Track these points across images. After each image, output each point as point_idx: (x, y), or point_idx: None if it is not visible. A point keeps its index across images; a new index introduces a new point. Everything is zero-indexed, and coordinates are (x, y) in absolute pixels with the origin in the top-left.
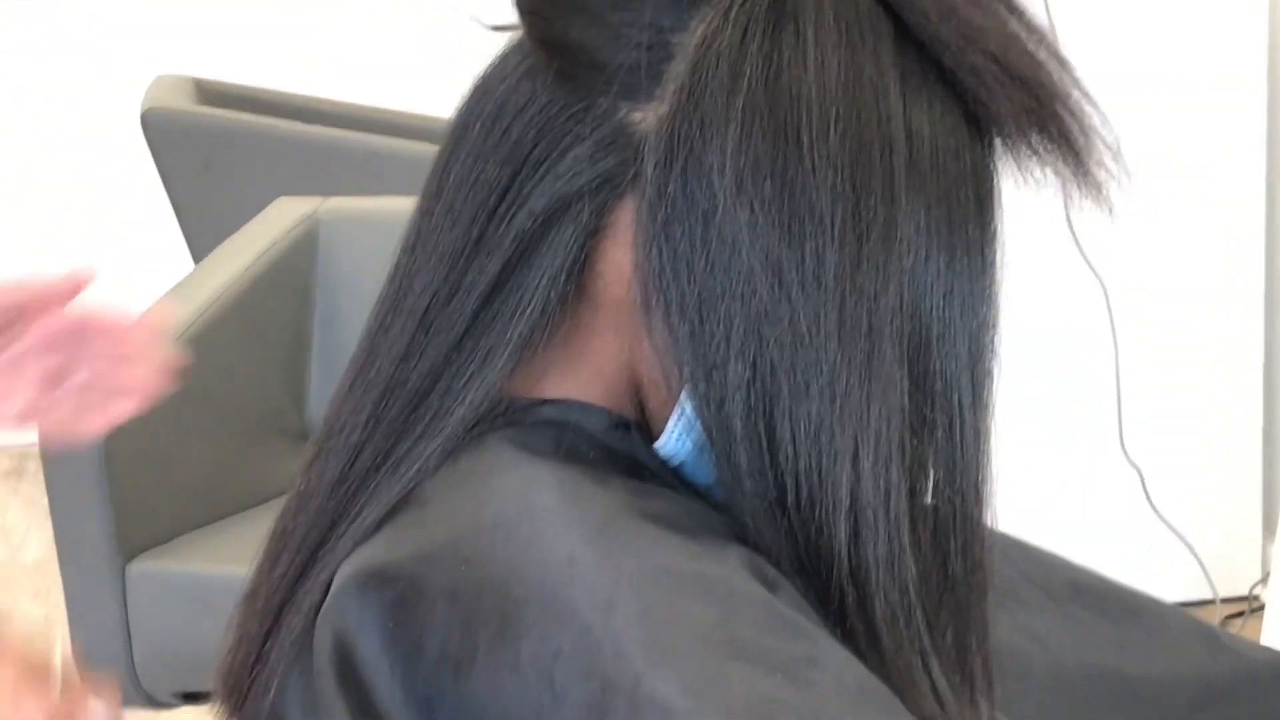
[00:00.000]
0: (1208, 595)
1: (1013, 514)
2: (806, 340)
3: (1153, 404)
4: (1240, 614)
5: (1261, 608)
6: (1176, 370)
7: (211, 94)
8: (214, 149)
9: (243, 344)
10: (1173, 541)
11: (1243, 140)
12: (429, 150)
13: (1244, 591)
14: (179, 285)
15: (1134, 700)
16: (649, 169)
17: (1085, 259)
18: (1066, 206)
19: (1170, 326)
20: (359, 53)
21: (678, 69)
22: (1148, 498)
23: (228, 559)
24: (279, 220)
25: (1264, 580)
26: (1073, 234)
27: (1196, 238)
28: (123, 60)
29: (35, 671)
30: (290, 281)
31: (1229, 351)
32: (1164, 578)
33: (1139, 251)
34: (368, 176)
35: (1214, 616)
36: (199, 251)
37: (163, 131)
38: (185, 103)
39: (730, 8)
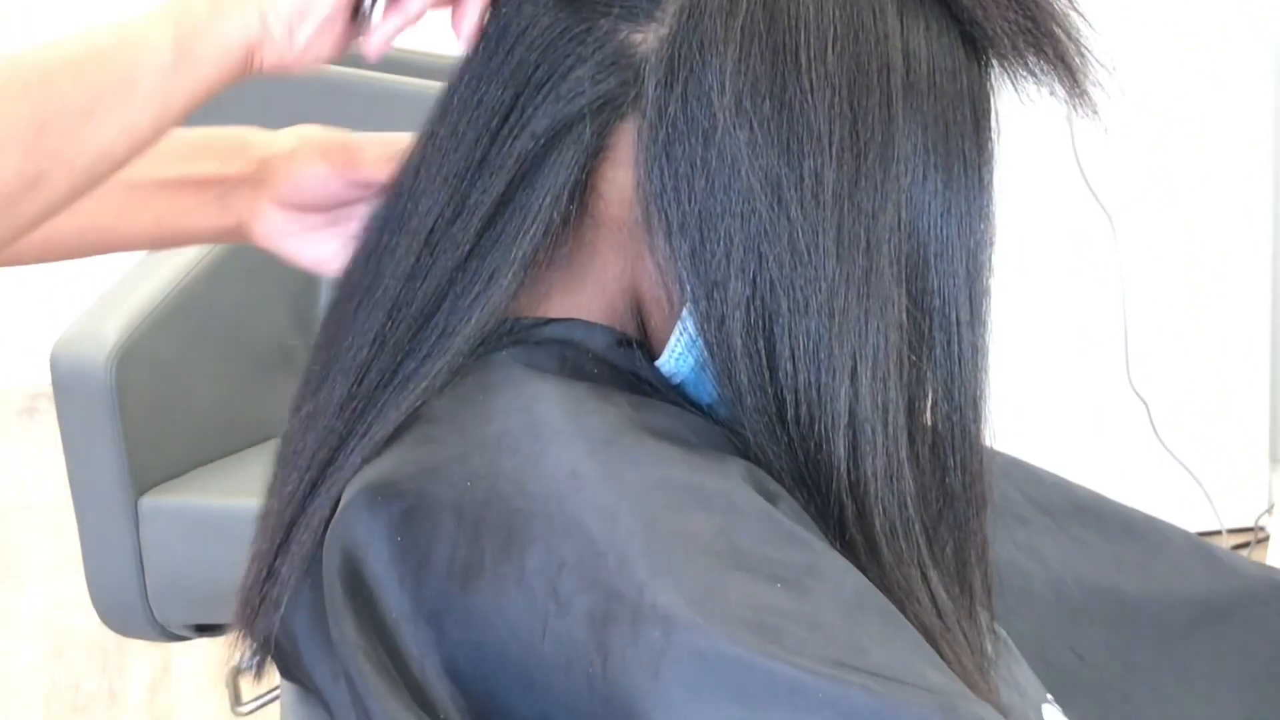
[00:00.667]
0: (1214, 526)
1: (1020, 444)
2: (805, 257)
3: (1159, 336)
4: (1246, 544)
5: (1267, 538)
6: (1182, 303)
7: None
8: (235, 88)
9: (251, 279)
10: (1179, 472)
11: (1252, 75)
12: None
13: (1250, 522)
14: None
15: (1133, 616)
16: (649, 89)
17: (1092, 192)
18: (1074, 140)
19: (1177, 259)
20: None
21: None
22: (1154, 429)
23: (238, 492)
24: None
25: (1270, 510)
26: (1080, 167)
27: (1204, 170)
28: None
29: None
30: None
31: (1235, 284)
32: (1170, 508)
33: (1146, 185)
34: (380, 115)
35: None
36: None
37: None
38: None
39: None
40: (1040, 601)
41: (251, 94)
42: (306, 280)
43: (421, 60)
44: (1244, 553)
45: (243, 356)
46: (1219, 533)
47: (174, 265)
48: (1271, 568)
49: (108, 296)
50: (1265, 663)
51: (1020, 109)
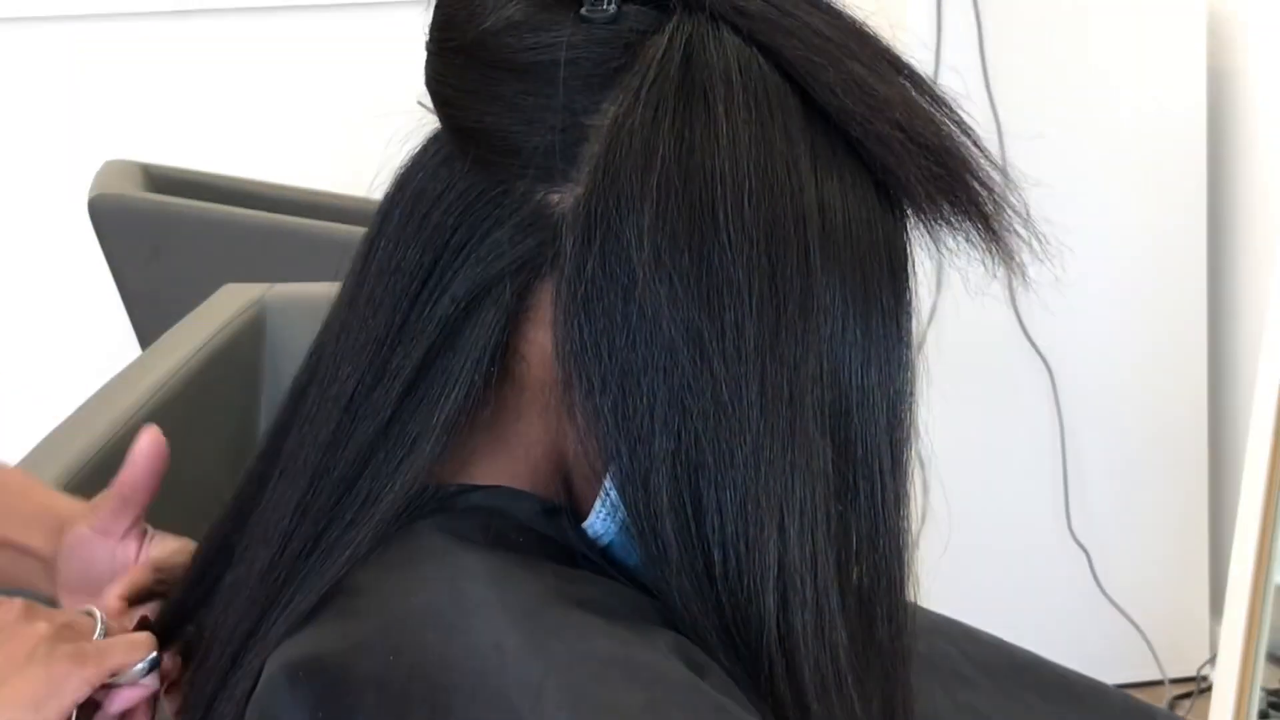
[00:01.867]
0: (1156, 676)
1: (961, 593)
2: (729, 410)
3: (1099, 485)
4: (1189, 694)
5: (1209, 688)
6: (1123, 450)
7: (160, 180)
8: (161, 236)
9: (189, 430)
10: (1121, 622)
11: (1186, 228)
12: None
13: (1192, 672)
14: (124, 371)
15: None
16: (568, 247)
17: (1030, 340)
18: (1011, 288)
19: (1116, 407)
20: (311, 138)
21: (592, 150)
22: (1095, 579)
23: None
24: (225, 306)
25: (1211, 661)
26: (1018, 316)
27: (1140, 319)
28: (70, 145)
29: (71, 631)
30: (237, 368)
31: (1175, 432)
32: (1112, 658)
33: (1083, 332)
34: (317, 261)
35: (1162, 697)
36: (146, 338)
37: (110, 218)
38: (133, 189)
39: (641, 88)
40: None
41: (195, 241)
42: (243, 432)
43: (361, 207)
44: (1186, 703)
45: (177, 508)
46: (1161, 682)
47: (110, 416)
48: None
49: (42, 447)
50: None
51: (958, 257)
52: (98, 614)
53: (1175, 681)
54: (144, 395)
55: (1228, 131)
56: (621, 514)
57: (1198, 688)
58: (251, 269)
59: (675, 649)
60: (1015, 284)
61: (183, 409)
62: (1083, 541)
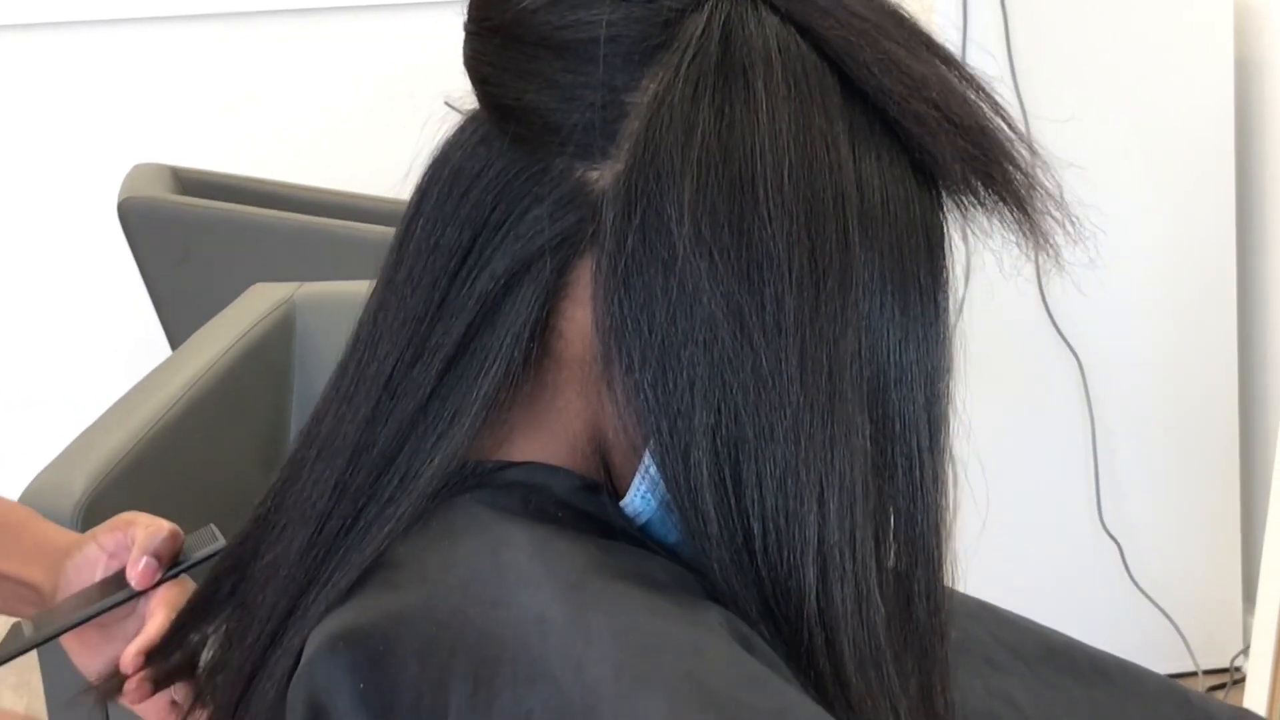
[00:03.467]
0: (1189, 667)
1: (992, 585)
2: (769, 384)
3: (1130, 476)
4: (1222, 685)
5: (1243, 679)
6: (1153, 441)
7: (189, 183)
8: (191, 238)
9: (220, 429)
10: (1153, 614)
11: (1215, 218)
12: None
13: (1225, 663)
14: (155, 371)
15: None
16: (608, 223)
17: (1059, 332)
18: (1040, 281)
19: (1146, 397)
20: (335, 139)
21: (632, 126)
22: (1127, 570)
23: (209, 645)
24: (255, 305)
25: (1245, 651)
26: (1046, 308)
27: (1171, 310)
28: (100, 149)
29: None
30: (267, 366)
31: (1206, 421)
32: (1145, 650)
33: (1112, 323)
34: (345, 262)
35: (1196, 688)
36: (177, 340)
37: (140, 221)
38: (162, 191)
39: (681, 64)
40: None
41: (225, 243)
42: (274, 430)
43: (389, 208)
44: (1220, 694)
45: (210, 506)
46: (1194, 674)
47: (141, 415)
48: (1245, 710)
49: (74, 447)
50: None
51: (991, 241)
52: None
53: (1209, 673)
54: (176, 393)
55: (1256, 121)
56: (661, 490)
57: (1231, 679)
58: (280, 270)
59: (720, 619)
60: (1045, 273)
61: (214, 406)
62: (1114, 533)
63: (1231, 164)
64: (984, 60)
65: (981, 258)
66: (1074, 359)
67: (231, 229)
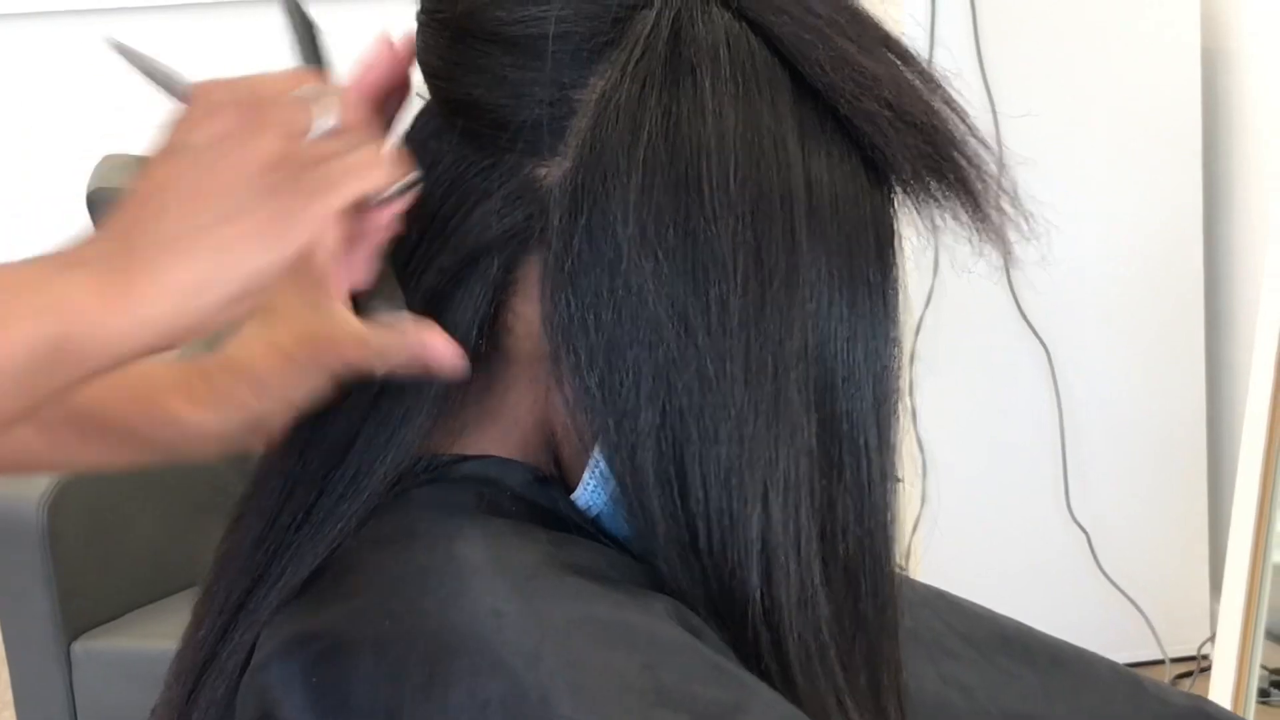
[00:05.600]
0: (1157, 655)
1: (961, 576)
2: (714, 385)
3: (1098, 466)
4: (1189, 673)
5: (1210, 667)
6: (1121, 431)
7: None
8: None
9: None
10: (1121, 602)
11: (1182, 209)
12: None
13: (1193, 651)
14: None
15: None
16: (555, 222)
17: (1028, 323)
18: (1008, 270)
19: (1114, 388)
20: None
21: (580, 124)
22: (1095, 559)
23: (173, 636)
24: None
25: (1212, 639)
26: (1015, 299)
27: (1137, 299)
28: (69, 139)
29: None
30: None
31: (1173, 411)
32: (1113, 638)
33: (1080, 314)
34: None
35: (1163, 676)
36: None
37: (109, 211)
38: (131, 182)
39: (629, 63)
40: None
41: None
42: None
43: None
44: (1187, 682)
45: (177, 499)
46: (1162, 662)
47: None
48: (1199, 697)
49: None
50: None
51: (948, 237)
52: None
53: (1176, 660)
54: None
55: (1222, 111)
56: (610, 485)
57: (1198, 666)
58: None
59: (672, 612)
60: (1011, 266)
61: None
62: (1082, 522)
63: (1199, 155)
64: (951, 56)
65: (951, 250)
66: (1043, 350)
67: None
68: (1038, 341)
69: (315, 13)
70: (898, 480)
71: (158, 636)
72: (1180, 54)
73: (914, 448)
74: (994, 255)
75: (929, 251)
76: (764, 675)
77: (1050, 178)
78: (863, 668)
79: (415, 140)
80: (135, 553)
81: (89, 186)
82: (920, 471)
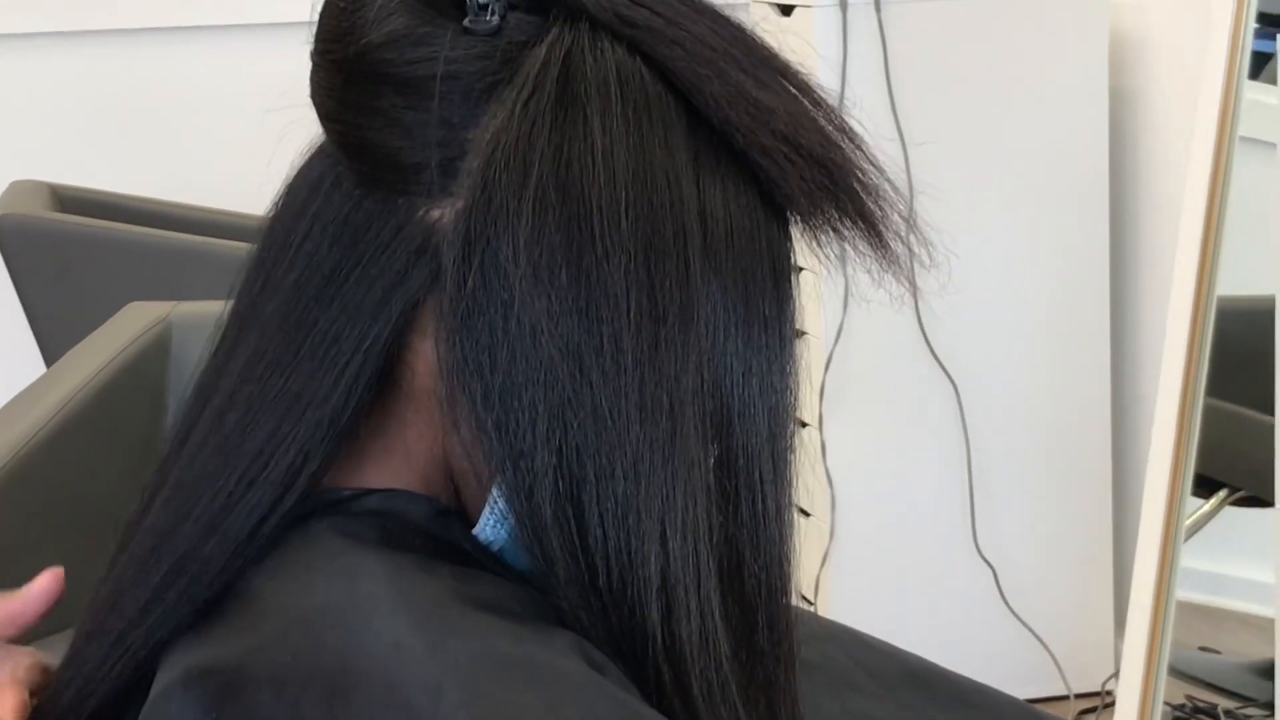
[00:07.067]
0: (1061, 691)
1: (867, 610)
2: (609, 424)
3: (1004, 501)
4: (1094, 709)
5: (1114, 703)
6: (1027, 466)
7: (68, 200)
8: (68, 255)
9: (93, 449)
10: (1026, 638)
11: (1088, 238)
12: None
13: (1097, 687)
14: (29, 389)
15: None
16: (448, 264)
17: (935, 357)
18: (917, 306)
19: (1021, 423)
20: (220, 157)
21: (471, 165)
22: (1001, 595)
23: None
24: (131, 324)
25: (1116, 675)
26: (923, 333)
27: (1045, 334)
28: None
29: None
30: (142, 385)
31: (1080, 447)
32: (1018, 674)
33: (988, 349)
34: (224, 281)
35: (1068, 712)
36: (52, 358)
37: (16, 237)
38: (40, 209)
39: (518, 101)
40: None
41: (103, 261)
42: (148, 451)
43: (236, 222)
44: (1091, 718)
45: (83, 528)
46: (1066, 697)
47: (12, 435)
48: None
49: None
50: None
51: (865, 278)
52: None
53: (1080, 696)
54: (48, 412)
55: (1130, 149)
56: (509, 523)
57: (1102, 702)
58: (159, 288)
59: (574, 647)
60: (920, 301)
61: (87, 426)
62: (988, 557)
63: (1105, 192)
64: (860, 97)
65: (856, 283)
66: (950, 384)
67: (109, 247)
68: (946, 377)
69: (252, 38)
70: (799, 514)
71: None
72: (1089, 92)
73: (823, 482)
74: (895, 285)
75: (838, 287)
76: (668, 712)
77: (957, 214)
78: (760, 700)
79: (309, 182)
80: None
81: None
82: (830, 506)
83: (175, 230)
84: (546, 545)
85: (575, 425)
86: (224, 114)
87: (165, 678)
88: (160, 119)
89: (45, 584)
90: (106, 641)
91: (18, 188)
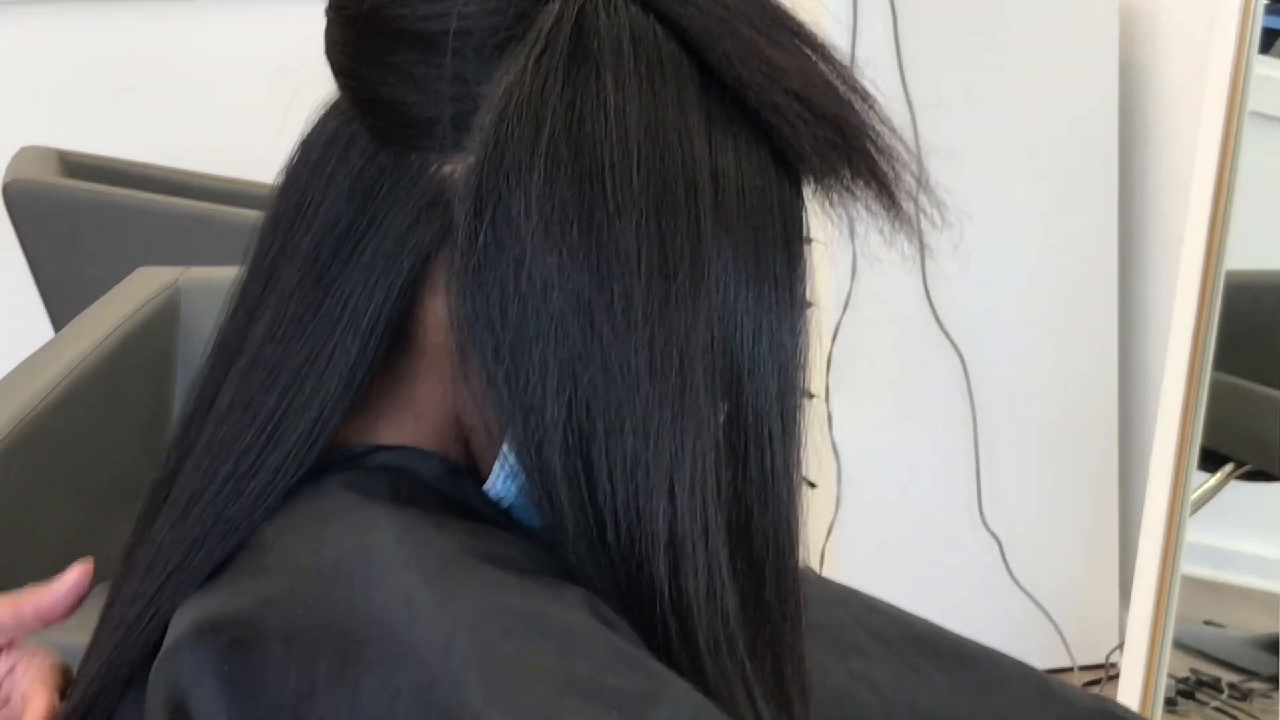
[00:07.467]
0: (1066, 663)
1: (872, 581)
2: (619, 379)
3: (1011, 473)
4: (1098, 681)
5: (1118, 675)
6: (1034, 438)
7: (76, 166)
8: (77, 221)
9: (101, 414)
10: (1031, 610)
11: (1096, 213)
12: None
13: (1101, 659)
14: (36, 354)
15: None
16: (460, 219)
17: (943, 329)
18: (925, 277)
19: (1027, 395)
20: (229, 124)
21: (483, 120)
22: (1006, 567)
23: (82, 630)
24: (139, 289)
25: (1120, 648)
26: (930, 304)
27: (1052, 307)
28: None
29: None
30: (150, 350)
31: (1086, 419)
32: (1022, 645)
33: (996, 321)
34: (232, 248)
35: (1072, 683)
36: (61, 325)
37: (25, 204)
38: (49, 175)
39: (531, 57)
40: None
41: (111, 228)
42: (156, 416)
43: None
44: (1095, 689)
45: (91, 491)
46: (1071, 670)
47: (20, 399)
48: (1104, 698)
49: None
50: None
51: (876, 240)
52: None
53: (1085, 669)
54: (55, 378)
55: (1139, 122)
56: (519, 478)
57: (1107, 674)
58: (167, 255)
59: (585, 602)
60: (930, 262)
61: (95, 392)
62: (994, 529)
63: (1115, 164)
64: (870, 47)
65: (866, 250)
66: (957, 356)
67: (117, 213)
68: (952, 349)
69: (262, 3)
70: (809, 484)
71: (67, 630)
72: (1099, 65)
73: (829, 453)
74: (906, 246)
75: (846, 256)
76: (674, 666)
77: (967, 179)
78: (767, 657)
79: (324, 139)
80: (48, 548)
81: (4, 178)
82: (835, 477)
83: (183, 197)
84: (556, 499)
85: (585, 380)
86: (233, 80)
87: (176, 631)
88: (168, 85)
89: (75, 578)
90: (140, 604)
91: (26, 154)
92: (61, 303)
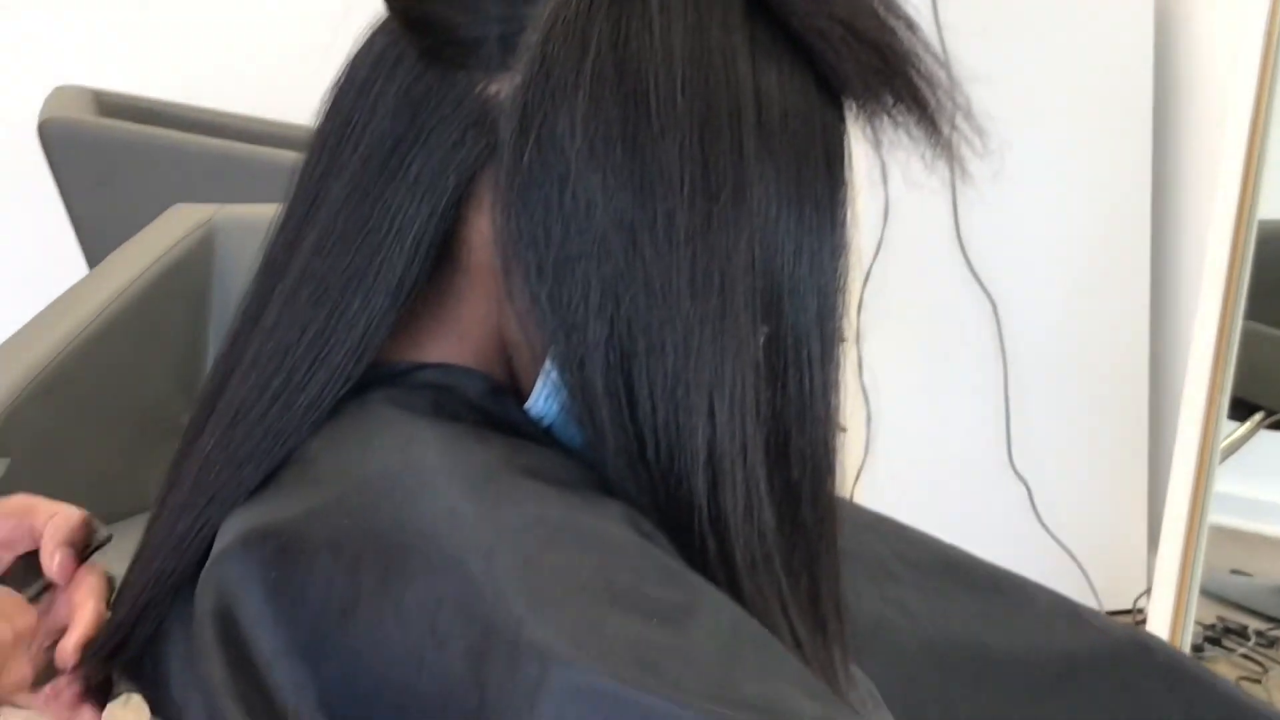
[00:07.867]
0: (1093, 607)
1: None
2: (660, 298)
3: (1040, 418)
4: None
5: (1145, 621)
6: (1064, 383)
7: (110, 106)
8: (112, 160)
9: (137, 349)
10: (1059, 554)
11: (1130, 159)
12: None
13: (1128, 605)
14: (72, 289)
15: (1000, 671)
16: (505, 137)
17: (974, 274)
18: (957, 222)
19: (1058, 341)
20: (259, 66)
21: (530, 39)
22: (1035, 511)
23: (120, 561)
24: (174, 226)
25: (1148, 592)
26: (962, 249)
27: (1084, 254)
28: (21, 70)
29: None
30: (185, 287)
31: (1116, 366)
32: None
33: (1028, 266)
34: (266, 188)
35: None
36: (96, 262)
37: (61, 142)
38: (84, 114)
39: None
40: (908, 656)
41: (146, 167)
42: (192, 351)
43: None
44: None
45: (127, 424)
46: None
47: (57, 334)
48: (1135, 627)
49: None
50: (1128, 719)
51: (904, 191)
52: None
53: (1112, 613)
54: (92, 312)
55: (1173, 68)
56: (562, 395)
57: (1134, 619)
58: (200, 195)
59: (624, 515)
60: (960, 216)
61: (131, 327)
62: (1023, 474)
63: (1149, 112)
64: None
65: (899, 202)
66: (988, 301)
67: (152, 153)
68: (984, 294)
69: None
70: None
71: (105, 560)
72: (1134, 10)
73: (859, 397)
74: (943, 200)
75: (878, 201)
76: (711, 581)
77: (998, 132)
78: (802, 576)
79: (371, 58)
80: (84, 481)
81: (40, 117)
82: (865, 420)
83: (219, 137)
84: (597, 416)
85: (627, 299)
86: (269, 20)
87: (224, 540)
88: (204, 25)
89: (62, 563)
90: (190, 515)
91: (62, 93)
92: (97, 242)
